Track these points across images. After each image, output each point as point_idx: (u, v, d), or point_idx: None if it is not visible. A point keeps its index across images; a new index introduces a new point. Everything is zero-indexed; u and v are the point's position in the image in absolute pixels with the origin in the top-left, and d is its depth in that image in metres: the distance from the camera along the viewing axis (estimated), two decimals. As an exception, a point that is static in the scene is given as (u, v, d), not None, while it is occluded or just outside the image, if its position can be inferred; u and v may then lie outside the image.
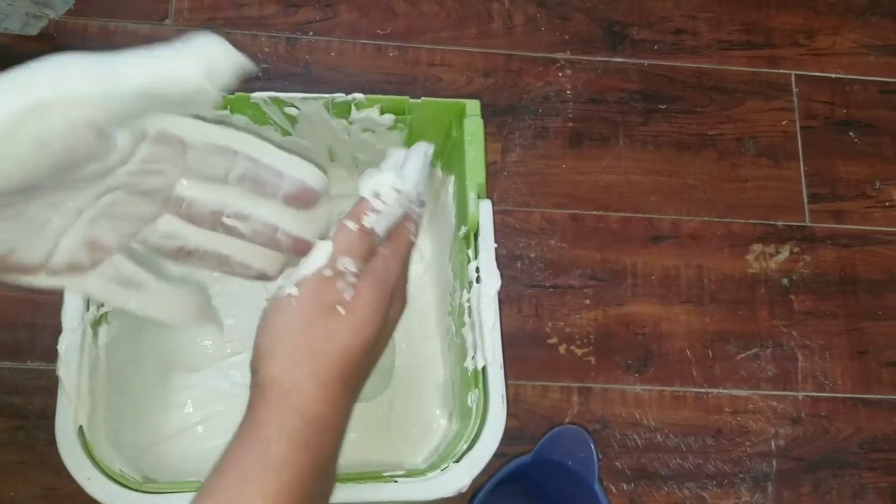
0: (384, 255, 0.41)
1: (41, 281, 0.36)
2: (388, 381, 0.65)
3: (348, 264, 0.39)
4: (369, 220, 0.40)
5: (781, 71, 0.86)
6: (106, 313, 0.56)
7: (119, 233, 0.37)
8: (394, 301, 0.41)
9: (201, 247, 0.39)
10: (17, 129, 0.29)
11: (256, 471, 0.35)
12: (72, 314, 0.52)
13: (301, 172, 0.39)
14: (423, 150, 0.44)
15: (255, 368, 0.38)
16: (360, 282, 0.39)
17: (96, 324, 0.55)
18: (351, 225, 0.40)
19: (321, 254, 0.39)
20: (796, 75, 0.86)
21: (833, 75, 0.87)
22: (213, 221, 0.38)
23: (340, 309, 0.38)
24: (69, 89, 0.31)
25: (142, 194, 0.36)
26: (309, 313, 0.38)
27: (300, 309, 0.38)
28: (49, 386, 0.68)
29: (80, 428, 0.50)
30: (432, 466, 0.52)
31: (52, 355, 0.52)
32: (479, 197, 0.57)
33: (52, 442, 0.50)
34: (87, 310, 0.53)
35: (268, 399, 0.37)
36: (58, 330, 0.53)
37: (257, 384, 0.38)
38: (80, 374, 0.51)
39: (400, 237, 0.42)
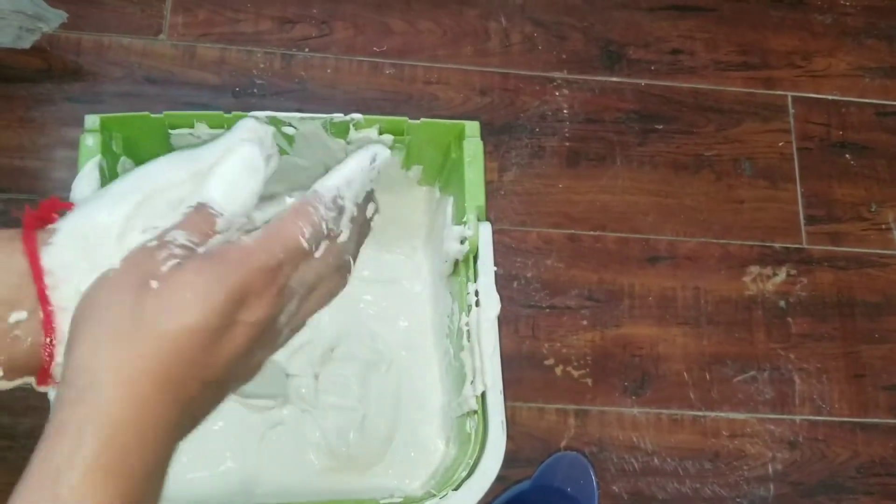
0: (244, 243, 0.33)
1: None
2: (385, 449, 0.64)
3: (178, 235, 0.33)
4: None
5: (778, 92, 0.86)
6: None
7: None
8: (253, 304, 0.32)
9: None
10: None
11: None
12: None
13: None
14: (369, 153, 0.39)
15: (64, 358, 0.32)
16: (188, 258, 0.32)
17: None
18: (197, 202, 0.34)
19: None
20: (793, 97, 0.86)
21: (829, 97, 0.87)
22: None
23: (153, 283, 0.31)
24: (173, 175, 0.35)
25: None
26: (120, 286, 0.31)
27: (113, 281, 0.32)
28: (38, 405, 0.67)
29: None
30: (429, 494, 0.52)
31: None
32: (478, 219, 0.56)
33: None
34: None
35: (65, 399, 0.30)
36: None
37: (62, 378, 0.31)
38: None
39: (278, 231, 0.34)
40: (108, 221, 0.34)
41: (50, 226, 0.35)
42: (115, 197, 0.34)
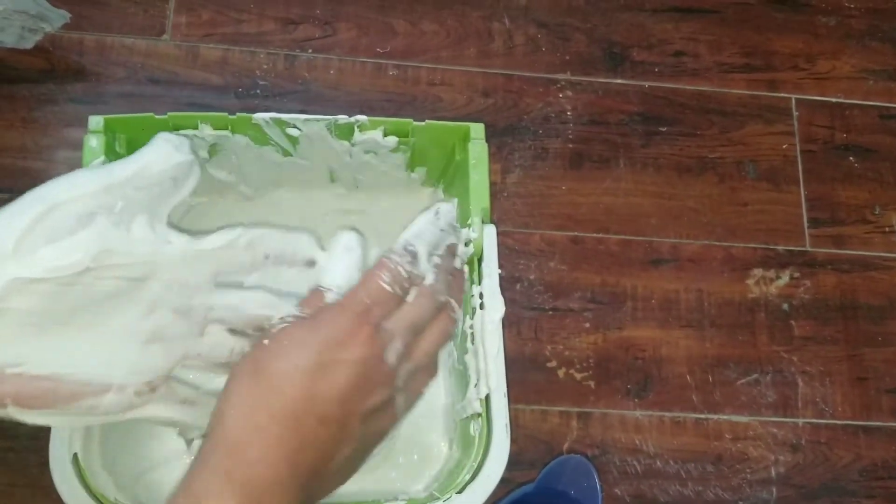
0: (336, 301, 0.41)
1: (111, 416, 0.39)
2: (388, 451, 0.63)
3: (291, 310, 0.40)
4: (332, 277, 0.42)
5: (782, 95, 0.86)
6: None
7: (171, 354, 0.40)
8: (349, 344, 0.38)
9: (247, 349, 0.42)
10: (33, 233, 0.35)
11: None
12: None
13: (301, 241, 0.45)
14: (433, 209, 0.44)
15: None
16: (294, 322, 0.39)
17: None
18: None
19: None
20: (796, 99, 0.86)
21: (833, 100, 0.87)
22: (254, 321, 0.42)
23: (266, 341, 0.38)
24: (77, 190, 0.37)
25: (182, 312, 0.40)
26: (248, 353, 0.38)
27: (246, 353, 0.39)
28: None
29: (75, 455, 0.49)
30: (433, 497, 0.51)
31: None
32: (483, 222, 0.56)
33: (43, 464, 0.49)
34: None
35: (204, 440, 0.37)
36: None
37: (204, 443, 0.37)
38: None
39: (362, 282, 0.40)
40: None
41: None
42: (11, 214, 0.36)
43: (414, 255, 0.41)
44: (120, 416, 0.39)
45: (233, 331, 0.42)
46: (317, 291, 0.41)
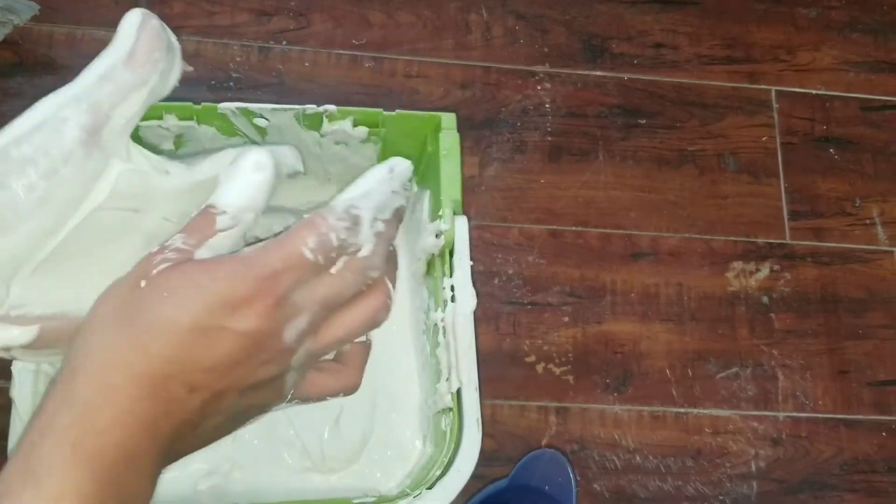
0: (240, 252, 0.33)
1: None
2: (361, 447, 0.62)
3: (176, 239, 0.33)
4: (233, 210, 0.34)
5: (762, 87, 0.85)
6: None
7: None
8: (244, 312, 0.31)
9: None
10: None
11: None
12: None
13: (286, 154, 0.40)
14: (387, 164, 0.37)
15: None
16: (180, 261, 0.32)
17: (53, 343, 0.52)
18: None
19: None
20: (777, 91, 0.85)
21: (814, 91, 0.86)
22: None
23: (142, 282, 0.31)
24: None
25: None
26: (118, 287, 0.32)
27: (115, 283, 0.33)
28: (2, 404, 0.65)
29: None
30: (404, 493, 0.50)
31: (6, 373, 0.50)
32: (454, 213, 0.55)
33: (5, 463, 0.48)
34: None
35: (51, 384, 0.31)
36: (11, 350, 0.50)
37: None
38: (35, 396, 0.49)
39: (279, 241, 0.33)
40: None
41: None
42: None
43: (356, 221, 0.34)
44: None
45: None
46: (206, 212, 0.34)
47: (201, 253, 0.33)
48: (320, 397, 0.40)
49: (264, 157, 0.35)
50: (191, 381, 0.31)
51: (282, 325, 0.33)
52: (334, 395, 0.41)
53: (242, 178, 0.35)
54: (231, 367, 0.32)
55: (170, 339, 0.31)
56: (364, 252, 0.34)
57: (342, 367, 0.41)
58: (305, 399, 0.39)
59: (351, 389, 0.41)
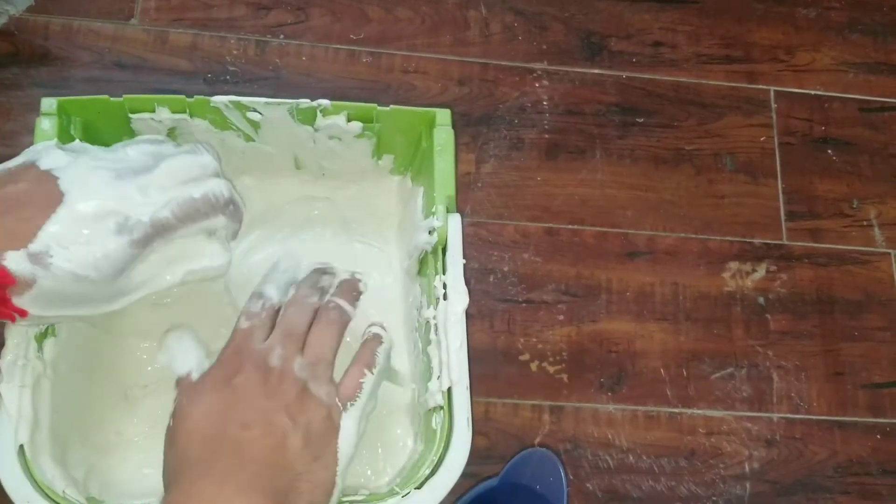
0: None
1: None
2: None
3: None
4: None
5: (760, 86, 0.85)
6: (53, 326, 0.53)
7: None
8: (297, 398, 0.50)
9: None
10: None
11: None
12: (16, 327, 0.49)
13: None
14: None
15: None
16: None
17: (42, 337, 0.52)
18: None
19: None
20: (775, 91, 0.85)
21: (812, 92, 0.86)
22: None
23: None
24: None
25: None
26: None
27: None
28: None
29: (21, 447, 0.48)
30: (393, 492, 0.50)
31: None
32: (448, 210, 0.55)
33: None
34: (33, 322, 0.50)
35: None
36: (1, 344, 0.50)
37: None
38: (23, 390, 0.48)
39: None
40: None
41: None
42: None
43: (259, 296, 0.54)
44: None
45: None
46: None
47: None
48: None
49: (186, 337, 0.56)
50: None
51: (264, 360, 0.51)
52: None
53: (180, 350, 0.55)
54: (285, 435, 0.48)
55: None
56: (283, 298, 0.55)
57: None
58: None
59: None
